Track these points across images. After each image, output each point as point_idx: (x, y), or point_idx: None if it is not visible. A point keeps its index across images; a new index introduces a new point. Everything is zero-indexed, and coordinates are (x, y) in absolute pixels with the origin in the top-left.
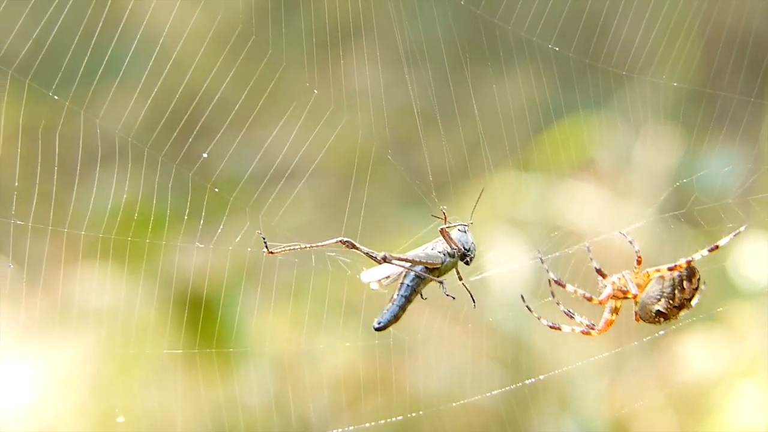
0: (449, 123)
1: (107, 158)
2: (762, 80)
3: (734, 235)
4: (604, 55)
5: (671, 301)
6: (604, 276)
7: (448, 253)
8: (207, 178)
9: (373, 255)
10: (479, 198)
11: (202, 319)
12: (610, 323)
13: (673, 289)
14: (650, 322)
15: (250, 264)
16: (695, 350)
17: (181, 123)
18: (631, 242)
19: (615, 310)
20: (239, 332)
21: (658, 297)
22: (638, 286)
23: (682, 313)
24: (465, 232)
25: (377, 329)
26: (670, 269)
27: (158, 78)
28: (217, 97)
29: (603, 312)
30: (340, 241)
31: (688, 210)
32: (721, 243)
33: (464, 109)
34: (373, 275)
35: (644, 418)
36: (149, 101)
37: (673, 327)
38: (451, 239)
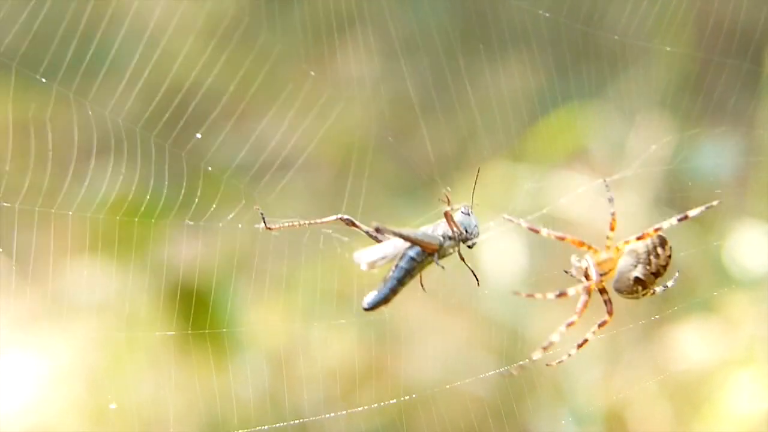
0: (445, 112)
1: (102, 145)
2: (739, 42)
3: (706, 208)
4: (584, 16)
5: (648, 267)
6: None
7: (449, 237)
8: (204, 161)
9: (372, 234)
10: (477, 178)
11: (196, 305)
12: (587, 303)
13: (649, 255)
14: (628, 293)
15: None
16: (691, 339)
17: (173, 113)
18: (610, 200)
19: (589, 291)
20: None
21: (635, 264)
22: (611, 260)
23: (657, 281)
24: (468, 214)
25: (366, 309)
26: (638, 238)
27: (159, 74)
28: (204, 88)
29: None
30: (340, 218)
31: (674, 167)
32: (690, 214)
33: (460, 98)
34: (367, 255)
35: (639, 406)
36: (137, 89)
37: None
38: (454, 222)
